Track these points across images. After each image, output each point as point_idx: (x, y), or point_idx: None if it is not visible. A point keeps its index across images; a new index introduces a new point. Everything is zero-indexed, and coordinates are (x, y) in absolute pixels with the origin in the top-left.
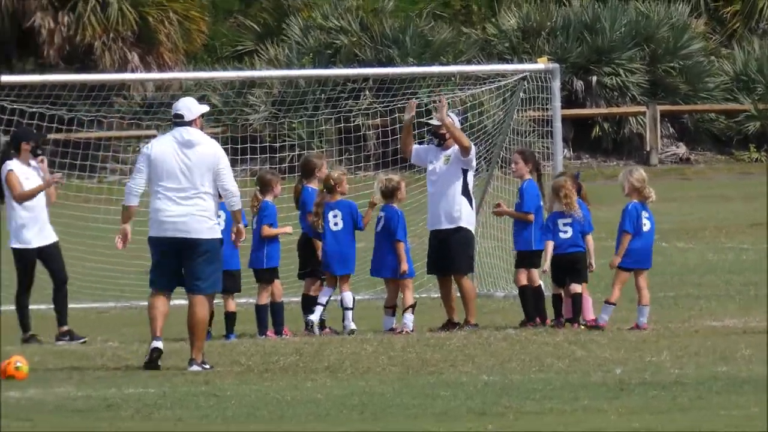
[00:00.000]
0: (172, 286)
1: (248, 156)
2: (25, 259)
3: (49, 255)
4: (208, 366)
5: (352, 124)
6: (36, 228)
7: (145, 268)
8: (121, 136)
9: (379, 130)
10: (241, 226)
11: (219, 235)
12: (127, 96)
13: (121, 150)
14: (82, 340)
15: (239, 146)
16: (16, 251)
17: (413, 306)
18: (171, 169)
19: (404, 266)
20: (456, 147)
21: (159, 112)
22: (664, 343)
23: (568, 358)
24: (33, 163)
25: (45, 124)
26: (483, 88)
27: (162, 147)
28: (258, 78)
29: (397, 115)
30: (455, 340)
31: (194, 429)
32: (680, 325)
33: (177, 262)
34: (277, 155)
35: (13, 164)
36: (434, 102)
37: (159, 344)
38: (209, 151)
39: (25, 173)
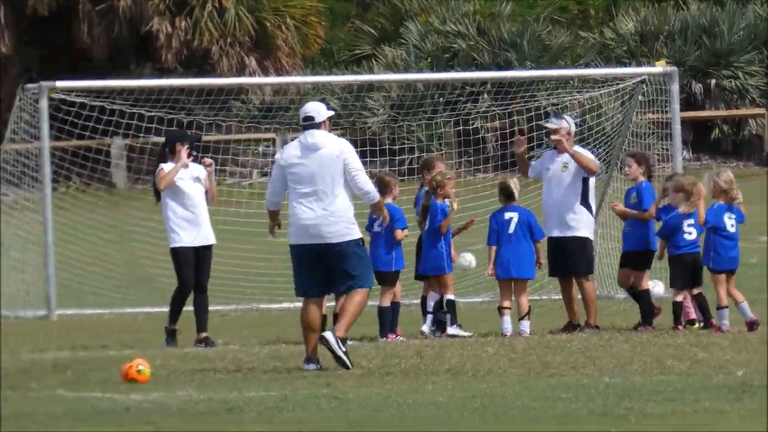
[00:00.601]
0: (320, 292)
1: (367, 159)
2: (184, 259)
3: (203, 257)
4: (342, 349)
5: (471, 127)
6: (194, 228)
7: (268, 270)
8: (239, 139)
9: (498, 132)
10: (386, 213)
11: (358, 235)
12: (245, 100)
13: (240, 153)
14: (215, 347)
15: (358, 149)
16: (174, 251)
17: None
18: (299, 174)
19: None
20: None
21: (277, 116)
22: None
23: (690, 360)
24: (193, 166)
25: (164, 127)
26: (601, 92)
27: (290, 152)
28: (376, 81)
29: (515, 117)
30: (576, 342)
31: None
32: None
33: (320, 267)
34: (396, 158)
35: (167, 167)
36: (553, 108)
37: (312, 367)
38: (334, 152)
39: (180, 174)
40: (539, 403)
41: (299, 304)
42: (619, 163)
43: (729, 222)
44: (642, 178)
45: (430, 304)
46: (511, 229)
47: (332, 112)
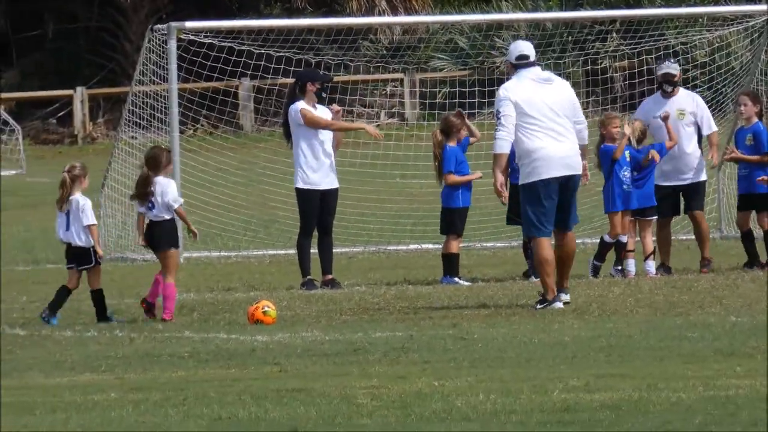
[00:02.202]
0: (553, 228)
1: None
2: (309, 201)
3: (328, 200)
4: (566, 297)
5: (599, 67)
6: (322, 171)
7: (394, 212)
8: (367, 79)
9: (626, 72)
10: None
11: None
12: (374, 40)
13: (368, 93)
14: (341, 289)
15: (486, 89)
16: (300, 191)
17: (653, 252)
18: (542, 109)
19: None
20: (693, 103)
21: (405, 56)
22: None
23: None
24: (320, 107)
25: (292, 68)
26: (730, 29)
27: (523, 89)
28: (505, 21)
29: (644, 57)
30: (703, 282)
31: (441, 372)
32: None
33: (557, 201)
34: None
35: (301, 105)
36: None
37: (566, 298)
38: (566, 86)
39: None
40: (665, 342)
41: (427, 246)
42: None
43: None
44: (755, 118)
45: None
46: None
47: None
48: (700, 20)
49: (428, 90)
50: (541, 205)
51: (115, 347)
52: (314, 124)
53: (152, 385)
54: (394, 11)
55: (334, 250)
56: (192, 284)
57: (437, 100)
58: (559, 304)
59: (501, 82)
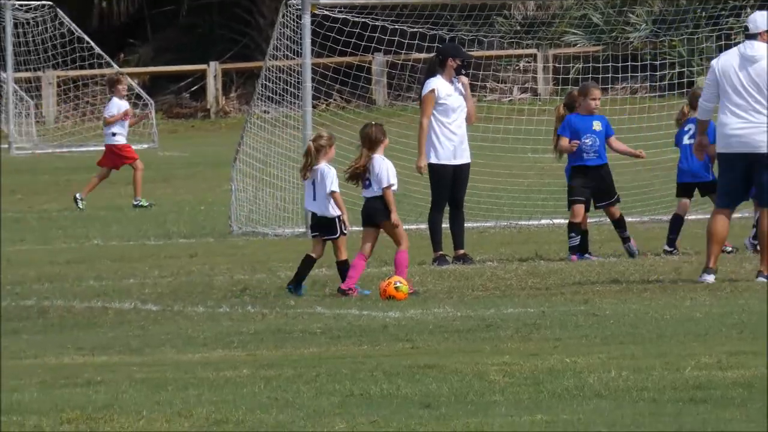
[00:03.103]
0: (732, 203)
1: (629, 74)
2: (441, 176)
3: (460, 175)
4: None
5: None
6: (454, 145)
7: (526, 188)
8: (500, 55)
9: None
10: None
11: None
12: (508, 15)
13: (501, 69)
14: (473, 264)
15: (620, 64)
16: (432, 166)
17: None
18: (733, 84)
19: None
20: None
21: (539, 32)
22: None
23: None
24: (456, 81)
25: (426, 43)
26: None
27: (727, 60)
28: None
29: None
30: None
31: (573, 348)
32: None
33: (738, 177)
34: (657, 73)
35: (437, 82)
36: None
37: (710, 278)
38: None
39: (448, 90)
40: None
41: (558, 221)
42: None
43: None
44: None
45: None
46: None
47: None
48: None
49: (561, 65)
50: (723, 176)
51: (247, 323)
52: (422, 112)
53: (284, 362)
54: None
55: (465, 225)
56: (324, 259)
57: (570, 76)
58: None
59: (634, 58)
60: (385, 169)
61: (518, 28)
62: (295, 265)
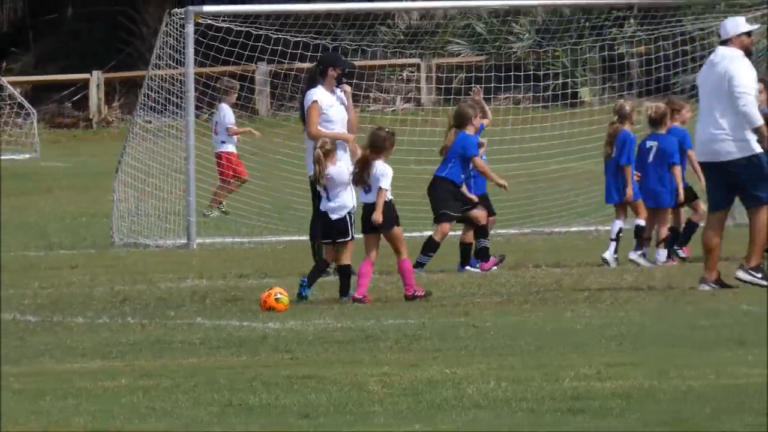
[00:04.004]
0: (720, 207)
1: (512, 84)
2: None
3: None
4: (758, 276)
5: (615, 52)
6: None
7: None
8: (384, 64)
9: (643, 58)
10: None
11: (751, 152)
12: (391, 25)
13: (384, 79)
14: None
15: (503, 74)
16: (312, 179)
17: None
18: (702, 92)
19: (680, 192)
20: None
21: (423, 41)
22: None
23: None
24: (337, 91)
25: (309, 53)
26: (748, 16)
27: (703, 69)
28: (523, 6)
29: (661, 43)
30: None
31: (453, 359)
32: None
33: (715, 183)
34: (541, 83)
35: (318, 93)
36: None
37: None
38: (722, 71)
39: (329, 101)
40: (677, 330)
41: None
42: None
43: None
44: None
45: (614, 231)
46: (650, 158)
47: (748, 27)
48: (718, 6)
49: (444, 75)
50: (706, 182)
51: (126, 334)
52: (308, 122)
53: (163, 372)
54: None
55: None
56: (205, 270)
57: (453, 86)
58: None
59: (518, 68)
60: (384, 176)
61: (402, 37)
62: (176, 277)
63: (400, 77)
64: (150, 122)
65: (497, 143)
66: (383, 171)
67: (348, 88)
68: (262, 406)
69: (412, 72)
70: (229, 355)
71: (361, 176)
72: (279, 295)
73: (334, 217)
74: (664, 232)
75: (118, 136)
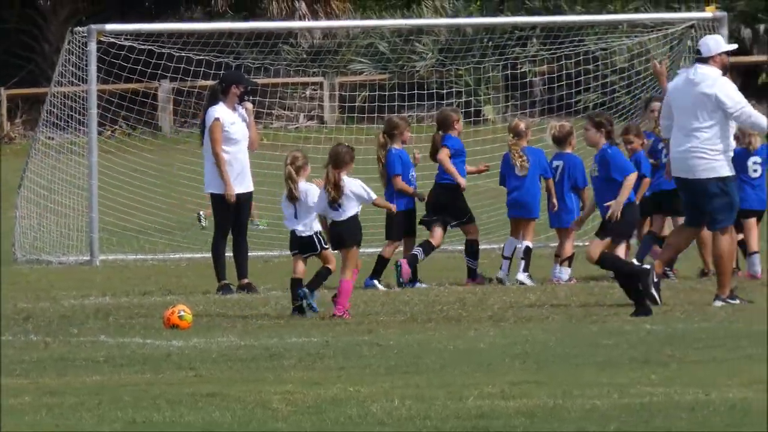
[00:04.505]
0: (696, 221)
1: (415, 102)
2: (223, 205)
3: (243, 204)
4: (735, 301)
5: (518, 71)
6: (235, 174)
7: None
8: (287, 82)
9: (546, 77)
10: None
11: (718, 174)
12: (294, 44)
13: (287, 97)
14: (257, 293)
15: (406, 93)
16: (214, 196)
17: (570, 258)
18: (678, 107)
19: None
20: None
21: (326, 60)
22: None
23: (731, 308)
24: (240, 108)
25: (212, 71)
26: (650, 36)
27: (677, 83)
28: (425, 26)
29: (564, 62)
30: (618, 290)
31: (357, 378)
32: None
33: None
34: (444, 102)
35: (220, 110)
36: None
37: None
38: (706, 92)
39: (231, 119)
40: (580, 349)
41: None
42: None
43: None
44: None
45: (509, 250)
46: (557, 177)
47: (728, 47)
48: (620, 27)
49: (347, 93)
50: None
51: (30, 351)
52: (212, 140)
53: (67, 390)
54: (315, 15)
55: (250, 254)
56: (108, 288)
57: (356, 104)
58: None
59: (421, 86)
60: (360, 187)
61: (305, 56)
62: (79, 294)
63: (303, 95)
64: (53, 139)
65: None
66: (357, 185)
67: (250, 106)
68: (166, 424)
69: (315, 90)
70: (133, 372)
71: (336, 197)
72: (182, 313)
73: (302, 234)
74: (569, 250)
75: (21, 153)
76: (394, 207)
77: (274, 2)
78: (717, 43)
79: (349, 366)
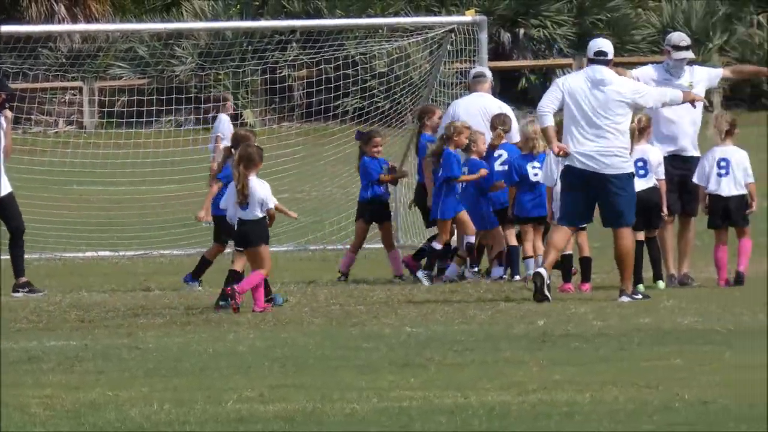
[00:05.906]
0: (580, 222)
1: (173, 107)
2: None
3: (4, 206)
4: (637, 296)
5: (278, 76)
6: None
7: (70, 219)
8: (46, 87)
9: (305, 81)
10: None
11: (629, 171)
12: (54, 48)
13: (46, 101)
14: (41, 294)
15: (164, 97)
16: None
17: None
18: (583, 108)
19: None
20: None
21: (85, 64)
22: (587, 295)
23: (492, 310)
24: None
25: None
26: (410, 41)
27: (575, 83)
28: (185, 30)
29: (323, 66)
30: (379, 292)
31: (116, 382)
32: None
33: (586, 195)
34: (202, 106)
35: None
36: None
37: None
38: (620, 89)
39: None
40: (340, 352)
41: (103, 253)
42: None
43: (533, 171)
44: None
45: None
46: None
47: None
48: (380, 31)
49: (107, 98)
50: (568, 195)
51: None
52: None
53: None
54: (74, 19)
55: (6, 257)
56: None
57: (116, 109)
58: None
59: (180, 90)
60: (266, 192)
61: (64, 60)
62: None
63: (62, 100)
64: None
65: (159, 165)
66: (263, 189)
67: (9, 114)
68: None
69: (74, 95)
70: None
71: (243, 193)
72: None
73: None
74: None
75: None
76: (294, 214)
77: (33, 5)
78: (611, 47)
79: (108, 369)
